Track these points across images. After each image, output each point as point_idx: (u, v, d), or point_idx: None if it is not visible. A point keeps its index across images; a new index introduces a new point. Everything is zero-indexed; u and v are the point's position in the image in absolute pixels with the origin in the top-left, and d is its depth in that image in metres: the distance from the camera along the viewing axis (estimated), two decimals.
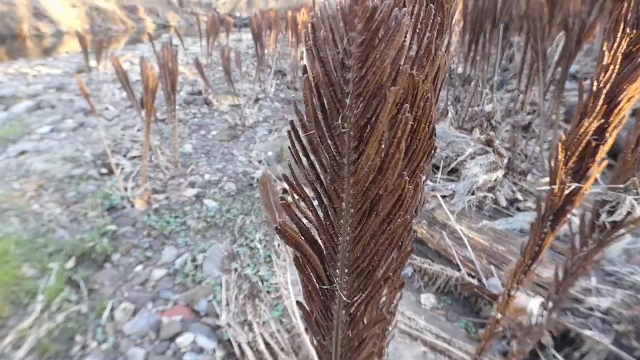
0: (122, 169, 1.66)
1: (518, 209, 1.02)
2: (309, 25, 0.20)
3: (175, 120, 1.50)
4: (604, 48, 0.43)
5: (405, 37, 0.18)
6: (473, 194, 0.99)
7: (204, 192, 1.46)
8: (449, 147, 1.27)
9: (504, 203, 1.02)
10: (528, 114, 1.51)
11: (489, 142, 1.12)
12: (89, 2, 11.47)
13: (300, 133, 0.26)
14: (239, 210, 1.45)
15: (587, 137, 0.43)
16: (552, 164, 0.45)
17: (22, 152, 1.86)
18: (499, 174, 1.01)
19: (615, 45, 0.42)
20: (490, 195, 1.00)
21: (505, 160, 1.09)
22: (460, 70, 2.06)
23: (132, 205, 1.47)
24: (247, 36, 8.48)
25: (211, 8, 16.10)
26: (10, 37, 9.07)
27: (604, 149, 0.45)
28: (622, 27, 0.42)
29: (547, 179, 1.15)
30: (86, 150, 1.81)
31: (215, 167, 1.64)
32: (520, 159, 1.16)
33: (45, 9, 9.70)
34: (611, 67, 0.43)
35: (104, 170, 1.68)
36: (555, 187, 0.46)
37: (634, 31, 0.42)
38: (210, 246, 1.30)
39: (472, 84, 1.68)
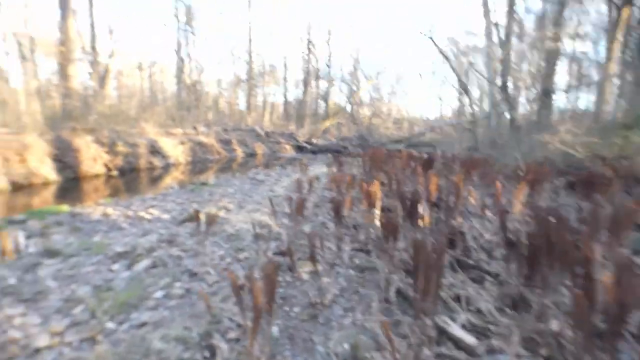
0: (221, 355, 1.93)
1: None
2: None
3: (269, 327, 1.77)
4: None
5: None
6: None
7: None
8: None
9: None
10: None
11: None
12: (194, 139, 13.79)
13: None
14: None
15: None
16: None
17: (143, 324, 2.26)
18: None
19: None
20: None
21: None
22: None
23: None
24: (322, 170, 9.28)
25: (292, 138, 18.26)
26: (130, 170, 10.98)
27: None
28: None
29: None
30: (193, 328, 2.16)
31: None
32: None
33: (161, 146, 11.82)
34: None
35: (207, 354, 1.96)
36: None
37: None
38: None
39: None
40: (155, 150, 11.86)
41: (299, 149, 17.58)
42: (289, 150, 17.56)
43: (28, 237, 4.40)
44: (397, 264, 2.78)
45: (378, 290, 2.65)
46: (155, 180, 9.84)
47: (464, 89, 13.52)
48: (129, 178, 9.99)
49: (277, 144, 17.72)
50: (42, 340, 2.12)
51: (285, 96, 28.02)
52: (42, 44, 16.78)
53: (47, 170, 8.89)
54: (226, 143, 15.57)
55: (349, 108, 25.89)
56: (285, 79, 27.24)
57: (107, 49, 17.26)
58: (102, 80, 16.33)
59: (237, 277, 1.80)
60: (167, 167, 11.83)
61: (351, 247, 3.41)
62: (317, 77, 27.31)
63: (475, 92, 16.63)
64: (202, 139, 14.56)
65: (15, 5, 15.03)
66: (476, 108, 14.07)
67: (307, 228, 4.04)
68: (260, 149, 16.67)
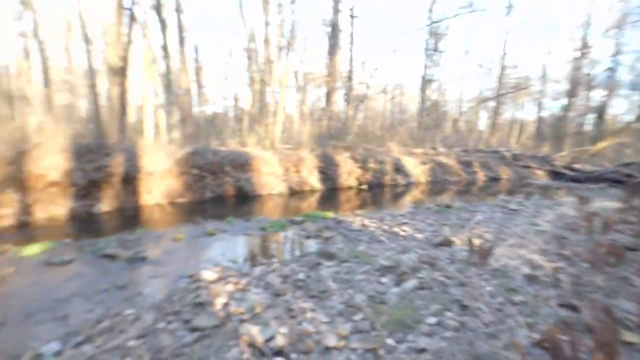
0: None
1: None
2: None
3: None
4: None
5: None
6: None
7: None
8: None
9: None
10: None
11: None
12: (434, 159, 13.82)
13: None
14: None
15: None
16: None
17: (422, 350, 2.21)
18: None
19: None
20: None
21: None
22: None
23: None
24: (602, 204, 7.34)
25: (546, 162, 15.77)
26: (376, 185, 11.90)
27: None
28: None
29: None
30: None
31: None
32: None
33: (403, 165, 12.39)
34: None
35: None
36: None
37: None
38: None
39: None
40: (398, 168, 12.51)
41: (556, 175, 14.91)
42: (541, 176, 15.18)
43: (307, 237, 5.30)
44: None
45: None
46: (398, 197, 10.32)
47: None
48: (375, 192, 10.87)
49: (526, 169, 15.64)
50: (331, 340, 2.35)
51: (538, 112, 24.40)
52: (313, 77, 20.67)
53: (314, 180, 10.70)
54: (467, 165, 14.87)
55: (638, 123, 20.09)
56: (541, 91, 23.76)
57: (361, 78, 19.67)
58: (356, 105, 18.67)
59: (558, 340, 1.46)
60: (408, 185, 12.26)
61: None
62: (590, 86, 22.39)
63: None
64: (442, 159, 14.41)
65: (296, 49, 19.02)
66: None
67: (599, 280, 3.20)
68: (505, 173, 15.10)
